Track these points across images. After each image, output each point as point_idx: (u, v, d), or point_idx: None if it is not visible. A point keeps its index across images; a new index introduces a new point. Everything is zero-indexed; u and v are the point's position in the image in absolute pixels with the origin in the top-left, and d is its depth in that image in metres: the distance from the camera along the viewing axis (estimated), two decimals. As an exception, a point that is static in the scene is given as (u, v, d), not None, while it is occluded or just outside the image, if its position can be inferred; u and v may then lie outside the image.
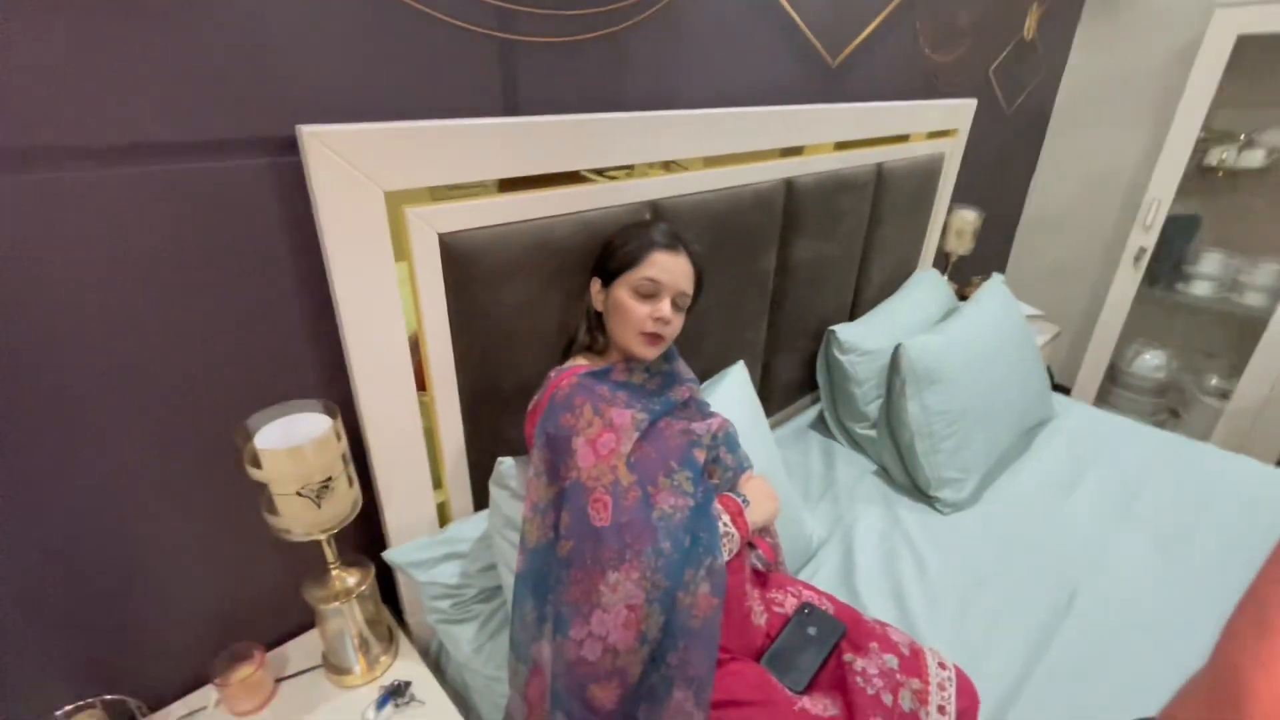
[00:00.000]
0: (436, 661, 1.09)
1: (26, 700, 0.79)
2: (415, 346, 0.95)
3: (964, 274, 2.42)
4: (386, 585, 1.09)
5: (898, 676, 0.88)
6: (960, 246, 2.21)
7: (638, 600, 0.82)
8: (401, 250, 0.88)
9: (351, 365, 0.88)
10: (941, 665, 0.93)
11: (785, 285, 1.54)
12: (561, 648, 0.84)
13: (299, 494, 0.79)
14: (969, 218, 2.16)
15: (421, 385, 0.98)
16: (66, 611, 0.81)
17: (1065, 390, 2.83)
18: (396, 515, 1.00)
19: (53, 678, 0.81)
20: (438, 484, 1.07)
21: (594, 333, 1.01)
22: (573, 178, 1.07)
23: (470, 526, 1.05)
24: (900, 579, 1.25)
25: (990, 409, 1.53)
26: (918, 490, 1.50)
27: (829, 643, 0.94)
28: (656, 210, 1.15)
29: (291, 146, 0.77)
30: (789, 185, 1.42)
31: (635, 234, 0.98)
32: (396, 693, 0.93)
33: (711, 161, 1.30)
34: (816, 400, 1.88)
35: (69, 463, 0.76)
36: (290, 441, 0.79)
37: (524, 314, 1.02)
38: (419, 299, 0.91)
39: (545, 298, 1.03)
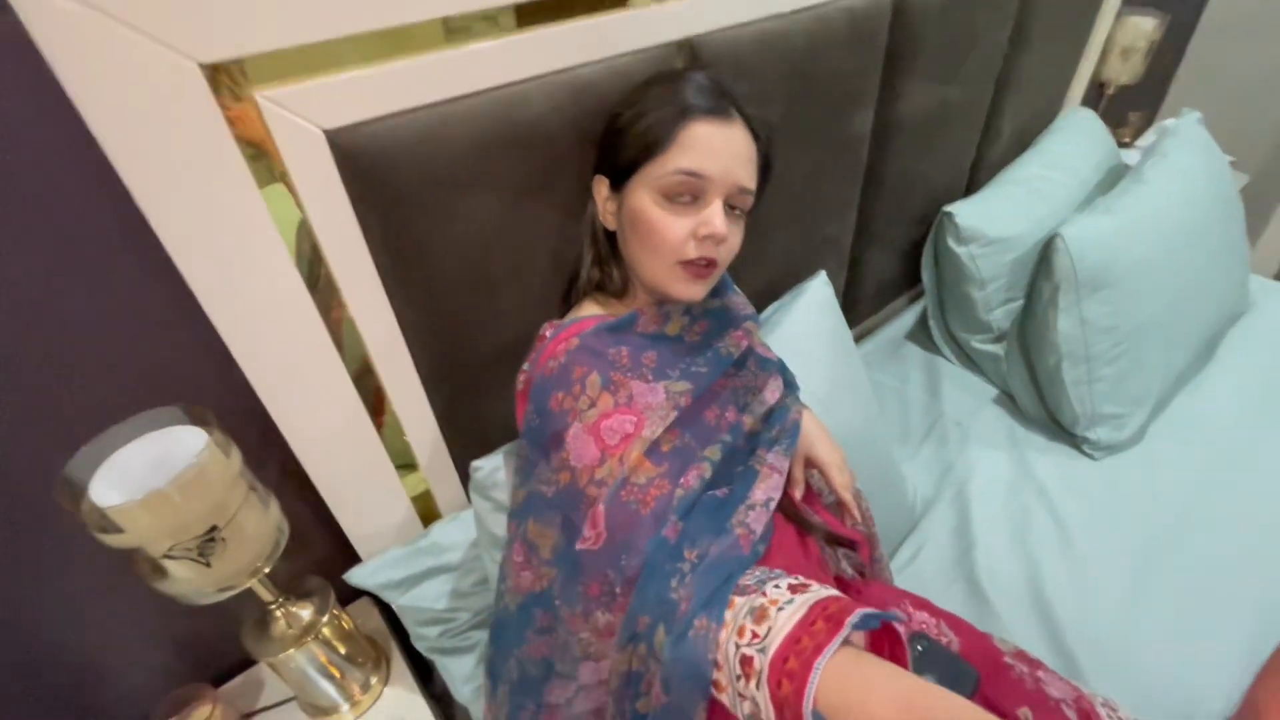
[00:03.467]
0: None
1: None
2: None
3: (1119, 111, 1.81)
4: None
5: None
6: (1125, 73, 1.61)
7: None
8: (274, 165, 0.54)
9: (220, 332, 0.58)
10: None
11: (885, 155, 1.09)
12: None
13: (168, 556, 0.54)
14: (1145, 27, 1.54)
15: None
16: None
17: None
18: (355, 521, 0.76)
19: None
20: (413, 466, 0.81)
21: (605, 265, 0.66)
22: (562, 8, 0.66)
23: (458, 527, 0.79)
24: (1036, 558, 0.94)
25: (1176, 318, 1.10)
26: (1057, 426, 1.14)
27: (954, 701, 0.66)
28: (694, 55, 0.74)
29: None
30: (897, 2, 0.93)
31: (655, 96, 0.59)
32: (381, 742, 0.74)
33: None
34: (914, 300, 1.48)
35: None
36: (147, 483, 0.52)
37: (492, 244, 0.67)
38: (318, 239, 0.59)
39: (525, 215, 0.68)
